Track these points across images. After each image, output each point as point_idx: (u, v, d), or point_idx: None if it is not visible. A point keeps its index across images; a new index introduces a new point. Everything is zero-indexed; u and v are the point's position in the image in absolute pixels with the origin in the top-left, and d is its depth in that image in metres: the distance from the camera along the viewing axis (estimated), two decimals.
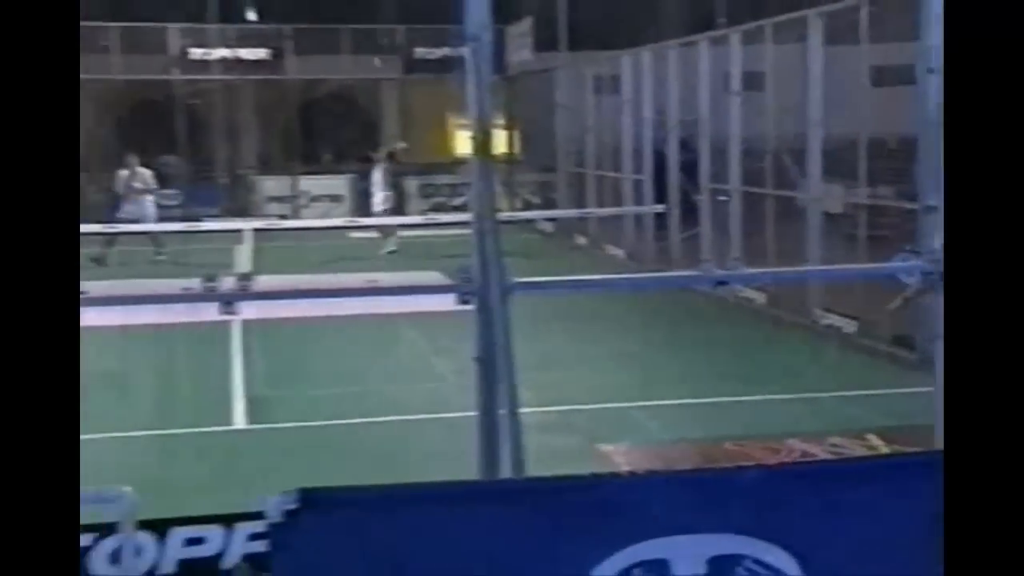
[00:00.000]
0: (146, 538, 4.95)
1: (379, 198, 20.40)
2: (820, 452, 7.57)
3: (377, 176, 20.64)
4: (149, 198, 19.43)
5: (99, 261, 17.42)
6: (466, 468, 5.09)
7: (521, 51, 25.70)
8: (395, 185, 21.10)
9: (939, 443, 5.21)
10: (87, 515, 3.89)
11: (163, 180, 26.08)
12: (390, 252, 19.34)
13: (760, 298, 13.40)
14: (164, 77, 27.61)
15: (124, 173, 19.41)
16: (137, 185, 19.23)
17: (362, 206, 24.27)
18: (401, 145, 24.01)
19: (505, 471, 4.65)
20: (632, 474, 4.04)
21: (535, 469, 4.49)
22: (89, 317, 8.90)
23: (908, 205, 10.80)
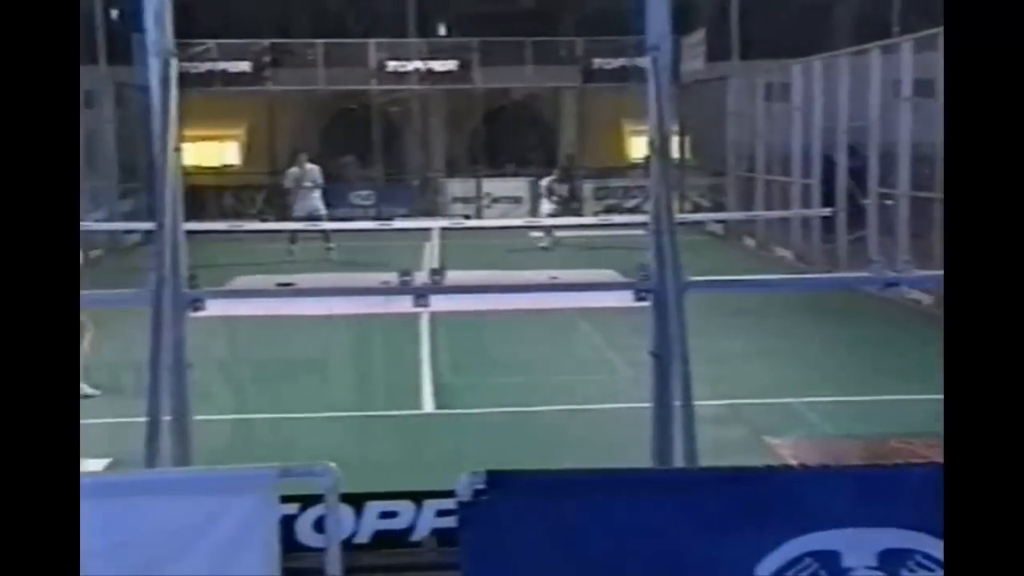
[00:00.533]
0: (346, 510, 5.11)
1: (546, 202, 20.60)
2: None
3: (545, 181, 20.86)
4: (317, 193, 19.30)
5: (290, 253, 17.96)
6: (640, 457, 5.07)
7: (694, 60, 25.47)
8: (570, 189, 21.02)
9: None
10: (295, 487, 4.03)
11: (348, 180, 26.81)
12: (543, 248, 19.38)
13: (927, 299, 12.94)
14: (363, 87, 28.29)
15: (294, 171, 19.41)
16: (307, 183, 19.22)
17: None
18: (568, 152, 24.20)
19: (678, 461, 4.61)
20: (803, 467, 3.95)
21: (705, 460, 4.44)
22: (298, 306, 9.15)
23: None
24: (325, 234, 18.90)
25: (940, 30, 13.31)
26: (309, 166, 19.56)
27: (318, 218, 18.89)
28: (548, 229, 20.12)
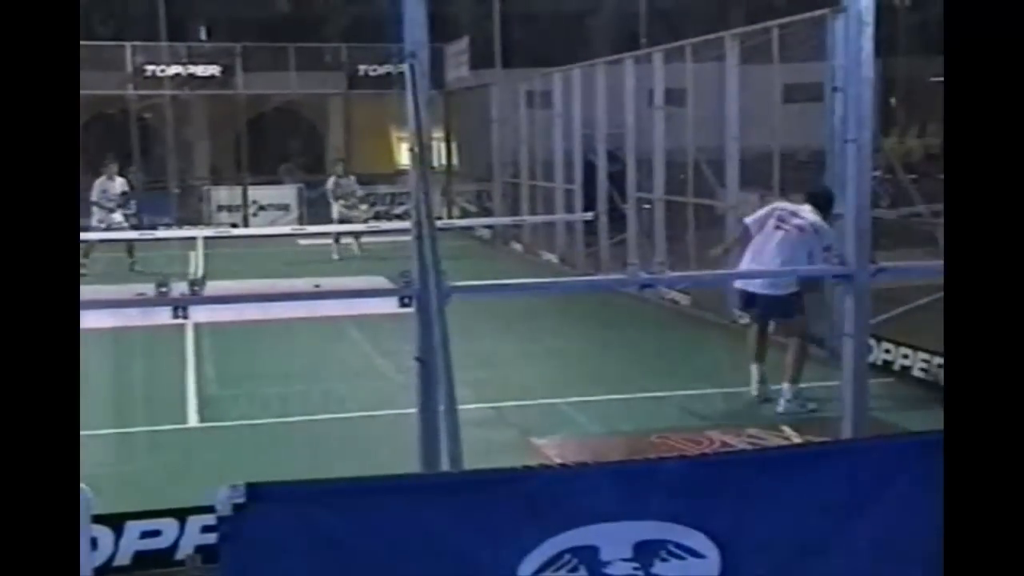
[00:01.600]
0: (103, 531, 4.91)
1: (335, 207, 20.02)
2: (739, 443, 7.63)
3: (329, 183, 20.35)
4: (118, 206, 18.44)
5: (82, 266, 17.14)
6: (407, 462, 5.08)
7: (459, 68, 25.72)
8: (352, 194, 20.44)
9: (846, 434, 5.30)
10: None
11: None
12: (338, 259, 19.14)
13: (684, 300, 13.49)
14: (119, 92, 27.26)
15: (101, 180, 18.30)
16: (112, 194, 18.27)
17: (311, 215, 24.14)
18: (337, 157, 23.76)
19: (444, 465, 4.64)
20: (563, 466, 4.05)
21: (472, 463, 4.49)
22: None
23: None
24: (130, 246, 18.13)
25: (687, 42, 13.93)
26: (118, 178, 18.52)
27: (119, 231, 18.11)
28: (337, 238, 19.66)
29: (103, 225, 18.01)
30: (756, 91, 12.57)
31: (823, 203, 8.69)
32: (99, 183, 18.31)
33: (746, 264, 8.85)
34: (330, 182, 20.32)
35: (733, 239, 9.67)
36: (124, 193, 18.63)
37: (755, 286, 8.87)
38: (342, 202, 19.94)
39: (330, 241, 19.78)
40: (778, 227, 8.78)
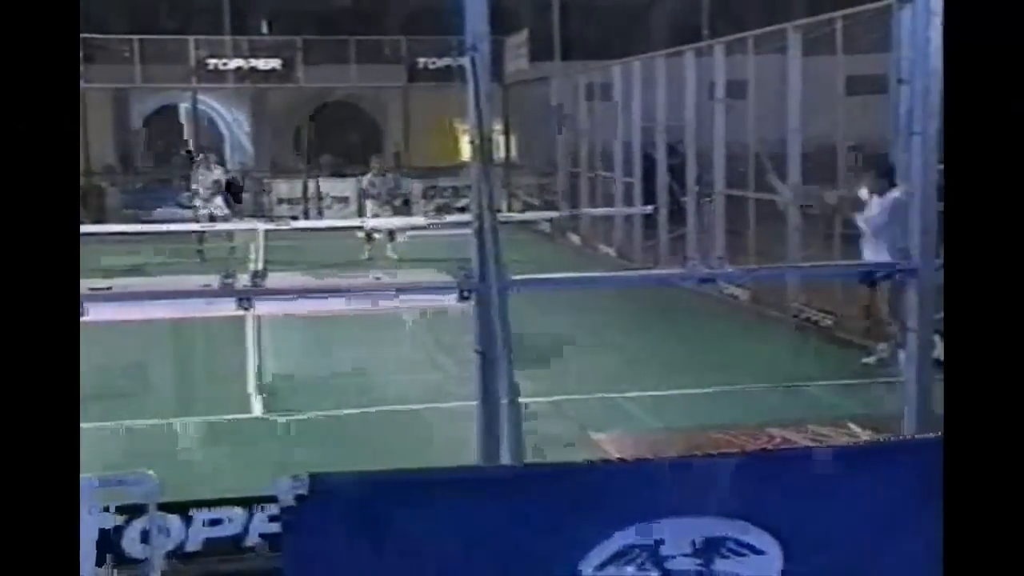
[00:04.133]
0: (173, 519, 5.00)
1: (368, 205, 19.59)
2: (800, 439, 7.57)
3: (364, 180, 19.87)
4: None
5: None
6: (466, 455, 5.11)
7: (518, 60, 25.72)
8: (393, 184, 19.93)
9: (909, 431, 5.24)
10: (114, 498, 3.92)
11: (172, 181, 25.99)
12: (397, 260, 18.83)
13: (744, 295, 13.40)
14: (183, 86, 27.61)
15: (200, 170, 18.59)
16: (209, 182, 18.49)
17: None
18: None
19: (504, 458, 4.66)
20: (623, 460, 4.05)
21: (531, 456, 4.50)
22: (113, 312, 8.84)
23: None
24: (200, 237, 18.19)
25: (748, 34, 13.82)
26: (217, 168, 18.74)
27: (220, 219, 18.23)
28: (391, 235, 18.97)
29: (205, 212, 18.10)
30: (818, 83, 12.44)
31: (886, 172, 9.44)
32: (198, 173, 18.53)
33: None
34: (365, 180, 19.86)
35: None
36: (216, 181, 18.72)
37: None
38: (373, 202, 19.42)
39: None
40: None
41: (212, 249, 17.98)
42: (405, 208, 20.96)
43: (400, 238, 18.82)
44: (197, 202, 18.31)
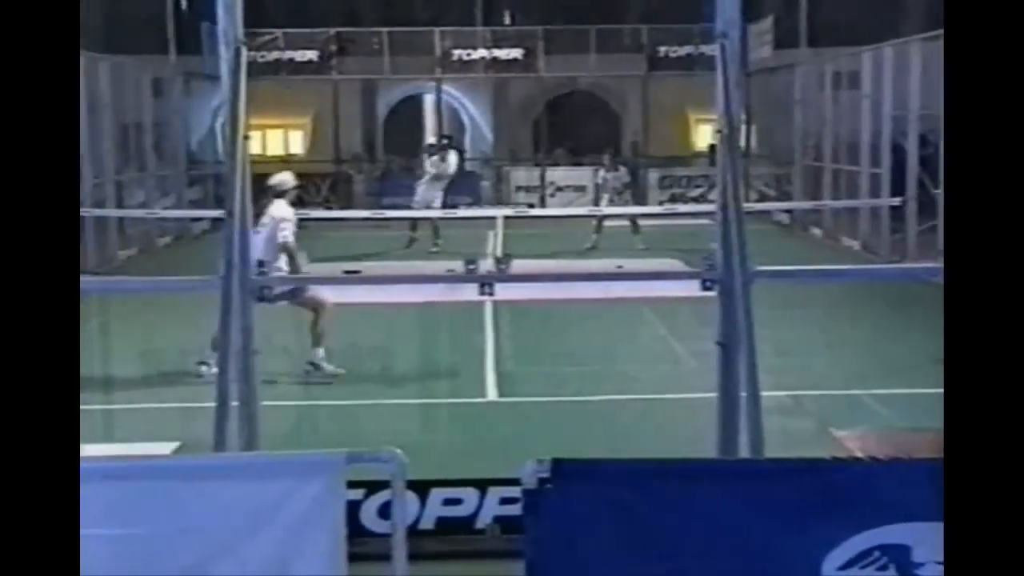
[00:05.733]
0: (411, 496, 5.15)
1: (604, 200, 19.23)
2: None
3: (600, 175, 19.55)
4: (439, 185, 18.54)
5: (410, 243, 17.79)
6: (702, 447, 5.05)
7: (762, 48, 25.22)
8: (628, 177, 19.38)
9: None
10: (361, 473, 4.07)
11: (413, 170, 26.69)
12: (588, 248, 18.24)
13: None
14: (428, 76, 28.43)
15: (435, 160, 18.52)
16: (445, 174, 18.52)
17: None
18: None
19: (742, 451, 4.59)
20: (872, 459, 3.91)
21: (770, 451, 4.41)
22: (366, 294, 9.12)
23: None
24: (435, 227, 18.20)
25: None
26: (452, 158, 18.71)
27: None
28: (598, 227, 18.64)
29: (421, 203, 18.24)
30: None
31: None
32: (431, 163, 18.49)
33: None
34: (599, 174, 19.54)
35: None
36: (438, 176, 18.56)
37: None
38: (607, 196, 19.05)
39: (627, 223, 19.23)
40: None
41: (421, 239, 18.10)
42: (639, 199, 20.66)
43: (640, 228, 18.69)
44: (417, 195, 18.43)
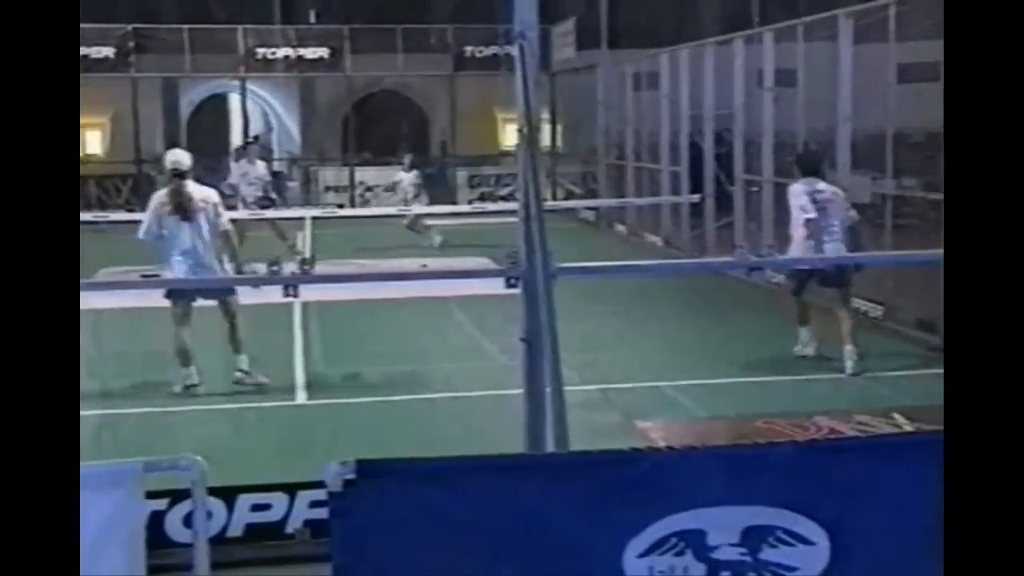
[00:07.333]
0: (217, 503, 5.03)
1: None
2: (847, 430, 7.51)
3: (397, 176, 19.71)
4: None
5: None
6: (512, 443, 5.10)
7: (565, 49, 25.66)
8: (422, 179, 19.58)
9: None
10: (164, 482, 3.96)
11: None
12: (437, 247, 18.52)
13: (791, 284, 13.29)
14: (232, 75, 27.80)
15: (241, 164, 18.26)
16: (254, 177, 17.82)
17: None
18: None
19: (550, 446, 4.66)
20: (669, 449, 4.03)
21: (577, 444, 4.49)
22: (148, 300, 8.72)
23: (932, 196, 10.70)
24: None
25: (799, 21, 13.71)
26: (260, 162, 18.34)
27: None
28: (413, 225, 18.70)
29: (254, 206, 17.83)
30: (870, 71, 12.30)
31: (810, 166, 10.08)
32: (238, 167, 18.15)
33: (806, 246, 9.57)
34: (397, 175, 19.72)
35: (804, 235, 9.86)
36: (259, 177, 18.19)
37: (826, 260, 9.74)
38: (401, 197, 19.23)
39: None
40: (822, 207, 9.66)
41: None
42: (448, 198, 20.68)
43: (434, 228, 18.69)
44: (238, 197, 17.98)
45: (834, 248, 9.48)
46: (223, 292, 8.79)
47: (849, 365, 9.27)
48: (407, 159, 19.61)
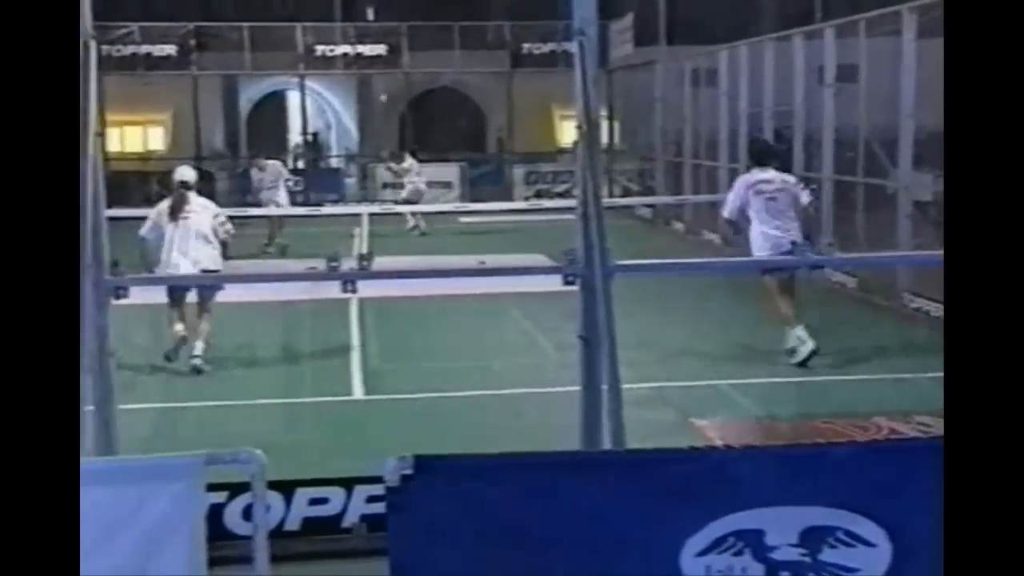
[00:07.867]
0: (275, 497, 5.08)
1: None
2: (907, 430, 7.42)
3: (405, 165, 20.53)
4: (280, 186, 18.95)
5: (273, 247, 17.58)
6: (567, 440, 5.10)
7: (623, 45, 25.57)
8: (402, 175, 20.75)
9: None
10: (224, 475, 3.99)
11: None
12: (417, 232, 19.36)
13: (852, 282, 13.15)
14: (291, 72, 28.02)
15: (254, 172, 19.14)
16: (268, 181, 18.73)
17: (473, 193, 24.37)
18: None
19: (606, 444, 4.65)
20: (728, 448, 4.00)
21: (633, 442, 4.48)
22: (227, 293, 8.94)
23: None
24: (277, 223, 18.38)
25: (861, 16, 13.54)
26: (269, 164, 19.05)
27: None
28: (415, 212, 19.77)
29: (274, 206, 18.31)
30: (934, 66, 12.12)
31: (762, 156, 10.00)
32: (253, 174, 18.98)
33: (766, 240, 9.55)
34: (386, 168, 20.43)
35: (726, 233, 9.92)
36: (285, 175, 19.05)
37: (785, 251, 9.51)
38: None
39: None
40: (771, 197, 9.62)
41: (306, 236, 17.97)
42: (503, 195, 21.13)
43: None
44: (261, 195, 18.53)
45: (794, 237, 9.35)
46: (210, 289, 9.60)
47: (801, 351, 9.32)
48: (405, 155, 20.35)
